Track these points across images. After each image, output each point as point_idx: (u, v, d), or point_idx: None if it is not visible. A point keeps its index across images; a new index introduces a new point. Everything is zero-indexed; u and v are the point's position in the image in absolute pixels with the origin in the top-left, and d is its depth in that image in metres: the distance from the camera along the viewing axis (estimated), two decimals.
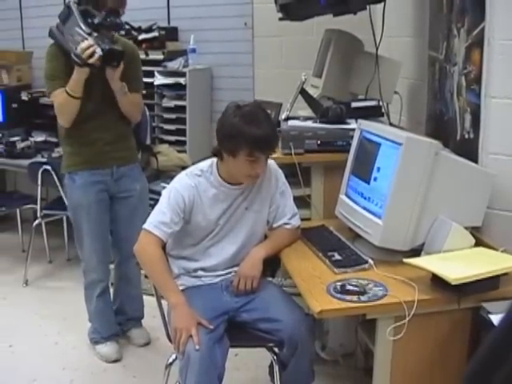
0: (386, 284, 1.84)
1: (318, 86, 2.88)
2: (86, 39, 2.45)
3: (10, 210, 4.37)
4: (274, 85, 3.84)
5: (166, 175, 3.69)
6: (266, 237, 2.28)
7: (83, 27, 2.48)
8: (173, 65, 3.95)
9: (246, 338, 2.15)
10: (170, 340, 2.08)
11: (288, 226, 2.25)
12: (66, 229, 4.11)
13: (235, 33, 4.08)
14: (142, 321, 3.12)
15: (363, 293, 1.79)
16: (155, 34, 4.01)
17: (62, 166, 2.83)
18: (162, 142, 4.05)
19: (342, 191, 2.32)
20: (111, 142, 2.74)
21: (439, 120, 2.53)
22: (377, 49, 2.71)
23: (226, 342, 2.04)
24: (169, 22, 4.24)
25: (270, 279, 2.38)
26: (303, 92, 2.68)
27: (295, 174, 2.45)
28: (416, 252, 1.98)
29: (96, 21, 2.50)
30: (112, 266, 3.03)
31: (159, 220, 2.09)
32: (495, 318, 1.62)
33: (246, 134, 1.99)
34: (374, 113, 2.63)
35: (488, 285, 1.75)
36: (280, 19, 2.81)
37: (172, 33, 4.16)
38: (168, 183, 2.26)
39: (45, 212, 3.81)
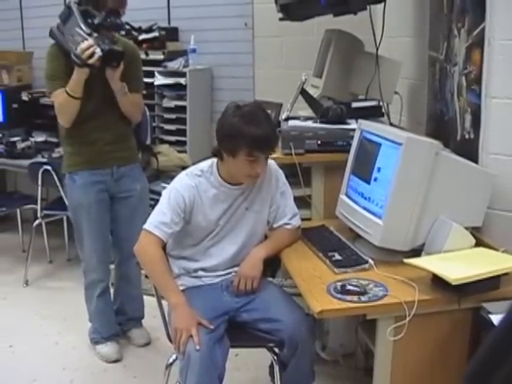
0: (387, 284, 1.84)
1: (319, 86, 2.88)
2: (86, 39, 2.45)
3: (11, 210, 4.37)
4: (274, 85, 3.84)
5: (167, 175, 3.69)
6: (266, 237, 2.28)
7: (83, 27, 2.48)
8: (173, 65, 3.95)
9: (246, 338, 2.15)
10: (171, 340, 2.08)
11: (288, 226, 2.25)
12: (66, 229, 4.11)
13: (235, 33, 4.08)
14: (143, 321, 3.12)
15: (363, 293, 1.79)
16: (155, 34, 4.01)
17: (63, 166, 2.83)
18: (163, 142, 4.05)
19: (342, 191, 2.32)
20: (111, 142, 2.74)
21: (439, 120, 2.53)
22: (377, 49, 2.71)
23: (226, 342, 2.04)
24: (169, 23, 4.24)
25: (271, 279, 2.38)
26: (303, 92, 2.68)
27: (295, 174, 2.45)
28: (416, 252, 1.98)
29: (96, 21, 2.50)
30: (112, 266, 3.03)
31: (159, 220, 2.09)
32: (495, 318, 1.62)
33: (246, 133, 2.00)
34: (374, 113, 2.63)
35: (488, 285, 1.75)
36: (280, 19, 2.81)
37: (172, 33, 4.16)
38: (168, 183, 2.27)
39: (45, 212, 3.81)
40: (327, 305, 1.76)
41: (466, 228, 1.96)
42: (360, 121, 2.32)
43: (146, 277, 2.88)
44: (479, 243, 1.99)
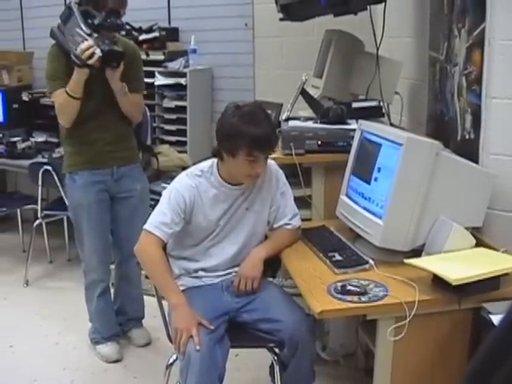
0: (387, 284, 1.84)
1: (319, 87, 2.88)
2: (86, 40, 2.45)
3: (11, 210, 4.36)
4: (274, 85, 3.85)
5: (167, 175, 3.69)
6: (266, 237, 2.28)
7: (83, 28, 2.48)
8: (173, 65, 3.95)
9: (246, 339, 2.15)
10: (171, 340, 2.09)
11: (289, 227, 2.25)
12: (66, 229, 4.11)
13: (236, 33, 4.08)
14: (143, 321, 3.12)
15: (364, 293, 1.79)
16: (156, 34, 4.01)
17: (63, 166, 2.83)
18: (163, 142, 4.05)
19: (342, 191, 2.32)
20: (112, 142, 2.74)
21: (440, 120, 2.53)
22: (377, 49, 2.71)
23: (226, 342, 2.04)
24: (169, 23, 4.24)
25: (271, 279, 2.38)
26: (304, 92, 2.68)
27: (296, 175, 2.45)
28: (417, 252, 1.98)
29: (96, 21, 2.50)
30: (113, 266, 3.03)
31: (160, 220, 2.09)
32: (496, 319, 1.62)
33: (245, 133, 2.00)
34: (374, 113, 2.63)
35: (489, 285, 1.75)
36: (281, 20, 2.81)
37: (173, 33, 4.16)
38: (168, 183, 2.27)
39: (45, 212, 3.82)
40: (327, 305, 1.76)
41: (467, 228, 1.96)
42: (360, 121, 2.32)
43: (147, 277, 2.88)
44: (479, 243, 1.99)
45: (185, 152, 3.95)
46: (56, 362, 2.91)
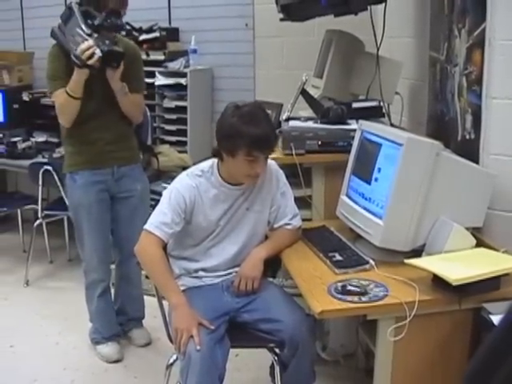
0: (387, 284, 1.84)
1: (319, 87, 2.88)
2: (87, 40, 2.45)
3: (11, 210, 4.36)
4: (274, 85, 3.84)
5: (167, 176, 3.69)
6: (266, 237, 2.28)
7: (84, 28, 2.48)
8: (174, 65, 3.95)
9: (246, 339, 2.15)
10: (171, 340, 2.09)
11: (289, 227, 2.25)
12: (66, 229, 4.11)
13: (236, 33, 4.08)
14: (143, 321, 3.12)
15: (364, 293, 1.79)
16: (156, 34, 4.01)
17: (64, 166, 2.83)
18: (163, 142, 4.05)
19: (342, 192, 2.32)
20: (112, 142, 2.74)
21: (440, 121, 2.53)
22: (378, 49, 2.71)
23: (226, 342, 2.04)
24: (170, 23, 4.24)
25: (271, 280, 2.38)
26: (304, 92, 2.68)
27: (296, 175, 2.45)
28: (417, 253, 1.98)
29: (96, 22, 2.50)
30: (113, 266, 3.03)
31: (160, 220, 2.09)
32: (496, 319, 1.62)
33: (244, 133, 1.99)
34: (374, 113, 2.63)
35: (489, 285, 1.75)
36: (281, 20, 2.81)
37: (173, 33, 4.16)
38: (169, 184, 2.26)
39: (46, 212, 3.82)
40: (328, 305, 1.76)
41: (467, 228, 1.96)
42: (361, 121, 2.32)
43: (147, 277, 2.89)
44: (480, 244, 1.99)
45: (185, 152, 3.95)
46: (56, 362, 2.91)
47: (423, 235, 1.99)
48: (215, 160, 2.17)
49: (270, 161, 2.18)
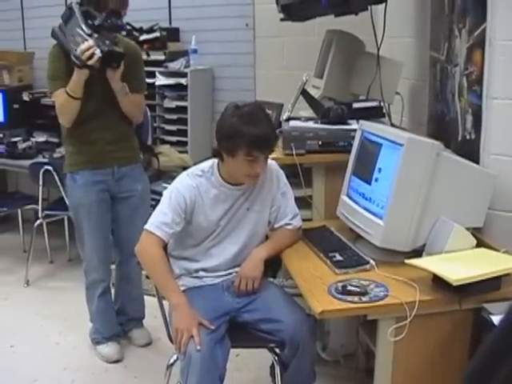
0: (387, 285, 1.84)
1: (320, 87, 2.88)
2: (87, 40, 2.45)
3: (12, 210, 4.37)
4: (275, 85, 3.84)
5: (167, 176, 3.69)
6: (267, 237, 2.28)
7: (84, 28, 2.48)
8: (174, 65, 3.95)
9: (247, 339, 2.15)
10: (171, 340, 2.09)
11: (289, 227, 2.25)
12: (67, 229, 4.12)
13: (236, 33, 4.08)
14: (143, 321, 3.12)
15: (364, 293, 1.79)
16: (156, 34, 4.01)
17: (64, 166, 2.83)
18: (164, 142, 4.05)
19: (343, 192, 2.32)
20: (112, 142, 2.74)
21: (440, 121, 2.53)
22: (378, 49, 2.71)
23: (227, 342, 2.04)
24: (170, 23, 4.24)
25: (271, 280, 2.38)
26: (304, 93, 2.68)
27: (296, 175, 2.45)
28: (417, 253, 1.98)
29: (96, 22, 2.50)
30: (113, 266, 3.03)
31: (160, 220, 2.09)
32: (496, 319, 1.62)
33: (244, 133, 2.00)
34: (375, 113, 2.64)
35: (489, 286, 1.75)
36: (281, 20, 2.81)
37: (173, 33, 4.16)
38: (169, 184, 2.27)
39: (46, 212, 3.82)
40: (328, 305, 1.76)
41: (467, 228, 1.96)
42: (361, 121, 2.32)
43: (147, 277, 2.89)
44: (480, 244, 1.99)
45: (185, 152, 3.95)
46: (57, 362, 2.91)
47: (423, 235, 1.99)
48: (215, 160, 2.17)
49: (270, 161, 2.18)
